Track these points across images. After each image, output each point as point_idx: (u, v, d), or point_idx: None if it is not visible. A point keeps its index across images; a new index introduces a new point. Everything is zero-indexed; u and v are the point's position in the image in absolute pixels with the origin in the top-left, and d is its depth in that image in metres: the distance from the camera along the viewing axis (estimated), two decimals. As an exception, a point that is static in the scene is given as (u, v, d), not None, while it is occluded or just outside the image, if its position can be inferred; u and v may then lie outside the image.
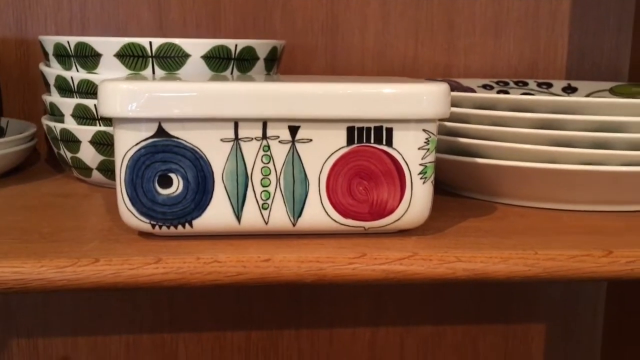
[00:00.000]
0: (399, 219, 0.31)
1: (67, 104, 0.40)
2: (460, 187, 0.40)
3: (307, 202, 0.30)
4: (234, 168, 0.30)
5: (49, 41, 0.40)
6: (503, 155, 0.36)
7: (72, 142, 0.40)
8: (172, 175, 0.29)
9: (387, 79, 0.34)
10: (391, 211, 0.31)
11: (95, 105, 0.39)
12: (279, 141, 0.30)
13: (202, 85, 0.29)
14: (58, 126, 0.40)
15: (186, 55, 0.38)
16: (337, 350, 0.61)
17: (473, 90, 0.50)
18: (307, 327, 0.60)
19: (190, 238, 0.31)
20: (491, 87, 0.52)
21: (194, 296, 0.58)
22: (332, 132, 0.30)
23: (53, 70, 0.41)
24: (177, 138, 0.29)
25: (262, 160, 0.30)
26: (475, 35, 0.56)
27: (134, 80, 0.29)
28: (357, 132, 0.30)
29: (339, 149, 0.30)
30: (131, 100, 0.28)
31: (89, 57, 0.39)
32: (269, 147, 0.30)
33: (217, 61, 0.39)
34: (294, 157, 0.30)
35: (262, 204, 0.30)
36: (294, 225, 0.31)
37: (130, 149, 0.29)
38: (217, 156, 0.29)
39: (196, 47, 0.38)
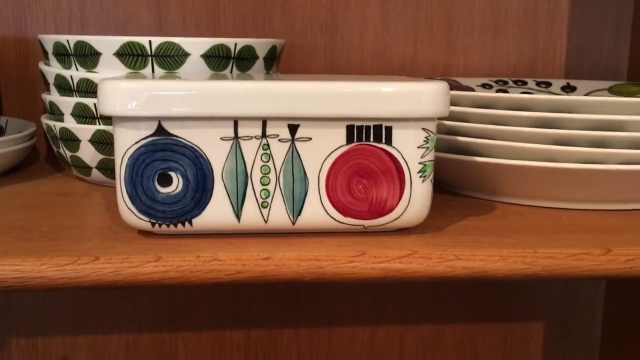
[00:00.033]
0: (398, 218, 0.31)
1: (66, 103, 0.40)
2: (460, 186, 0.40)
3: (306, 201, 0.30)
4: (233, 166, 0.30)
5: (49, 40, 0.40)
6: (502, 154, 0.36)
7: (71, 141, 0.40)
8: (172, 174, 0.30)
9: (386, 77, 0.34)
10: (390, 210, 0.31)
11: (94, 104, 0.39)
12: (279, 140, 0.30)
13: (202, 83, 0.29)
14: (57, 125, 0.40)
15: (186, 54, 0.38)
16: (336, 349, 0.61)
17: (472, 90, 0.50)
18: (306, 325, 0.60)
19: (190, 236, 0.31)
20: (490, 86, 0.52)
21: (193, 294, 0.58)
22: (332, 131, 0.30)
23: (52, 69, 0.41)
24: (177, 136, 0.29)
25: (261, 158, 0.30)
26: (475, 35, 0.56)
27: (134, 79, 0.29)
28: (356, 131, 0.30)
29: (339, 147, 0.30)
30: (131, 98, 0.28)
31: (88, 56, 0.39)
32: (268, 145, 0.30)
33: (217, 60, 0.39)
34: (293, 155, 0.30)
35: (262, 203, 0.30)
36: (293, 223, 0.31)
37: (130, 148, 0.29)
38: (217, 155, 0.29)
39: (196, 46, 0.38)
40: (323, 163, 0.30)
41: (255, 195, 0.30)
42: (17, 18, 0.52)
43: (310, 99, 0.29)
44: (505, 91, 0.52)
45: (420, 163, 0.31)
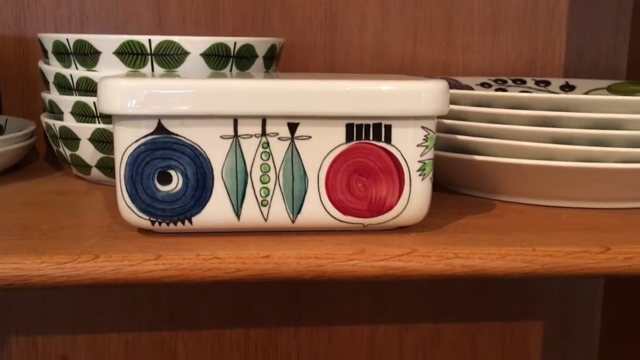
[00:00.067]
0: (397, 216, 0.31)
1: (66, 102, 0.40)
2: (459, 184, 0.40)
3: (306, 199, 0.30)
4: (233, 165, 0.30)
5: (48, 39, 0.40)
6: (501, 153, 0.36)
7: (71, 139, 0.40)
8: (172, 172, 0.30)
9: (386, 76, 0.34)
10: (390, 208, 0.31)
11: (94, 102, 0.39)
12: (278, 138, 0.30)
13: (202, 82, 0.29)
14: (57, 124, 0.40)
15: (185, 53, 0.38)
16: (335, 348, 0.61)
17: (471, 89, 0.50)
18: (306, 324, 0.60)
19: (190, 235, 0.31)
20: (489, 85, 0.52)
21: (193, 293, 0.58)
22: (331, 129, 0.30)
23: (52, 67, 0.41)
24: (177, 135, 0.29)
25: (261, 157, 0.30)
26: (474, 34, 0.56)
27: (134, 77, 0.29)
28: (356, 129, 0.30)
29: (338, 145, 0.30)
30: (131, 97, 0.28)
31: (88, 55, 0.39)
32: (268, 144, 0.30)
33: (216, 59, 0.39)
34: (293, 154, 0.30)
35: (262, 201, 0.30)
36: (293, 222, 0.31)
37: (130, 146, 0.29)
38: (217, 153, 0.30)
39: (195, 44, 0.38)
40: (323, 161, 0.30)
41: (255, 193, 0.30)
42: (17, 17, 0.52)
43: (310, 97, 0.29)
44: (504, 90, 0.52)
45: (419, 161, 0.31)
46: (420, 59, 0.56)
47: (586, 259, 0.30)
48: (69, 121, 0.40)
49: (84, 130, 0.39)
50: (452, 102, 0.38)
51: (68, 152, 0.41)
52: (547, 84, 0.53)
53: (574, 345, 0.64)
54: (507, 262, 0.29)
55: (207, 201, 0.30)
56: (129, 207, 0.30)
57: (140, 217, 0.30)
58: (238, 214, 0.30)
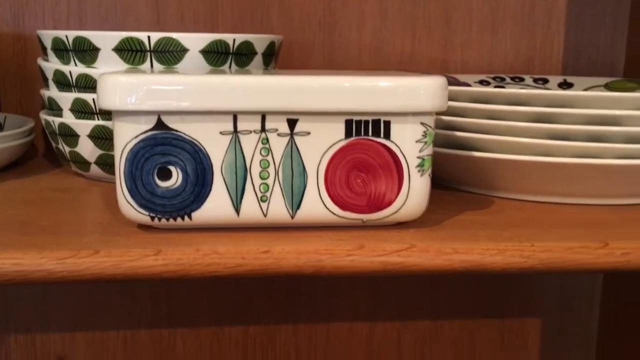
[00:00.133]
0: (396, 212, 0.31)
1: (65, 99, 0.40)
2: (458, 181, 0.40)
3: (305, 195, 0.30)
4: (232, 161, 0.30)
5: (48, 35, 0.40)
6: (499, 149, 0.36)
7: (70, 136, 0.40)
8: (172, 168, 0.30)
9: (385, 72, 0.34)
10: (389, 203, 0.31)
11: (93, 99, 0.39)
12: (278, 134, 0.30)
13: (201, 78, 0.29)
14: (56, 120, 0.40)
15: (184, 50, 0.38)
16: (334, 345, 0.61)
17: (469, 86, 0.50)
18: (304, 322, 0.60)
19: (190, 230, 0.31)
20: (488, 83, 0.52)
21: (192, 290, 0.58)
22: (331, 125, 0.30)
23: (51, 64, 0.41)
24: (176, 131, 0.29)
25: (260, 152, 0.30)
26: (472, 32, 0.57)
27: (134, 73, 0.29)
28: (355, 125, 0.30)
29: (337, 141, 0.30)
30: (131, 93, 0.28)
31: (87, 52, 0.39)
32: (267, 139, 0.30)
33: (215, 56, 0.39)
34: (292, 149, 0.30)
35: (261, 197, 0.30)
36: (292, 217, 0.31)
37: (129, 142, 0.29)
38: (216, 149, 0.30)
39: (194, 41, 0.38)
40: (322, 157, 0.30)
41: (254, 189, 0.30)
42: (15, 14, 0.52)
43: (309, 93, 0.29)
44: (503, 87, 0.52)
45: (418, 157, 0.31)
46: (418, 57, 0.56)
47: (584, 255, 0.30)
48: (68, 118, 0.40)
49: (83, 126, 0.39)
50: (451, 98, 0.39)
51: (67, 149, 0.41)
52: (545, 81, 0.53)
53: (572, 341, 0.64)
54: (505, 258, 0.29)
55: (207, 197, 0.30)
56: (128, 202, 0.30)
57: (140, 212, 0.30)
58: (237, 210, 0.30)
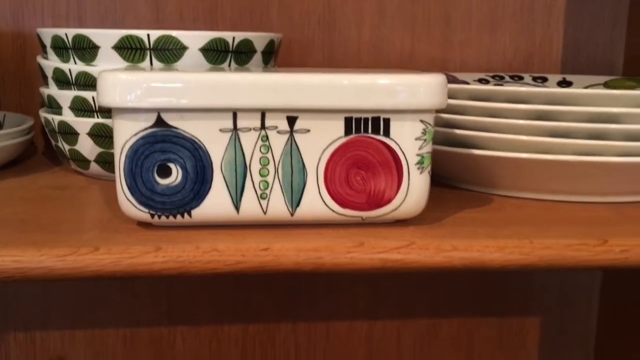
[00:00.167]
0: (396, 209, 0.31)
1: (65, 96, 0.40)
2: (457, 179, 0.41)
3: (305, 192, 0.31)
4: (232, 158, 0.30)
5: (47, 33, 0.40)
6: (499, 147, 0.36)
7: (70, 134, 0.40)
8: (171, 165, 0.30)
9: (384, 70, 0.34)
10: (388, 201, 0.31)
11: (93, 97, 0.39)
12: (277, 131, 0.30)
13: (201, 75, 0.29)
14: (56, 118, 0.40)
15: (184, 48, 0.38)
16: (334, 343, 0.61)
17: (469, 84, 0.50)
18: (304, 320, 0.60)
19: (190, 228, 0.31)
20: (487, 82, 0.52)
21: (192, 288, 0.58)
22: (330, 123, 0.30)
23: (51, 62, 0.41)
24: (176, 128, 0.29)
25: (260, 150, 0.30)
26: (472, 30, 0.57)
27: (133, 71, 0.29)
28: (354, 123, 0.30)
29: (337, 139, 0.30)
30: (130, 90, 0.28)
31: (86, 50, 0.39)
32: (267, 137, 0.30)
33: (215, 54, 0.39)
34: (292, 147, 0.30)
35: (261, 194, 0.30)
36: (292, 215, 0.31)
37: (129, 139, 0.29)
38: (216, 146, 0.30)
39: (194, 39, 0.38)
40: (321, 155, 0.30)
41: (254, 186, 0.30)
42: (15, 12, 0.52)
43: (309, 91, 0.29)
44: (502, 86, 0.52)
45: (418, 155, 0.31)
46: (417, 55, 0.56)
47: (583, 252, 0.30)
48: (68, 116, 0.40)
49: (83, 124, 0.39)
50: (450, 96, 0.39)
51: (67, 147, 0.41)
52: (545, 80, 0.53)
53: (571, 339, 0.64)
54: (504, 255, 0.30)
55: (207, 194, 0.30)
56: (128, 200, 0.30)
57: (139, 210, 0.30)
58: (237, 207, 0.30)
